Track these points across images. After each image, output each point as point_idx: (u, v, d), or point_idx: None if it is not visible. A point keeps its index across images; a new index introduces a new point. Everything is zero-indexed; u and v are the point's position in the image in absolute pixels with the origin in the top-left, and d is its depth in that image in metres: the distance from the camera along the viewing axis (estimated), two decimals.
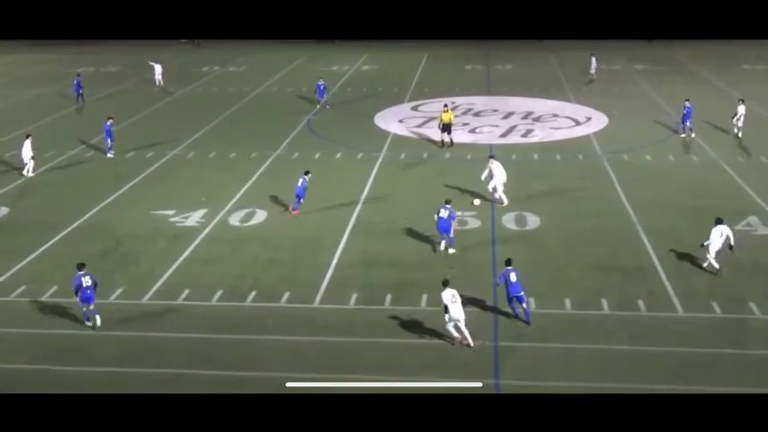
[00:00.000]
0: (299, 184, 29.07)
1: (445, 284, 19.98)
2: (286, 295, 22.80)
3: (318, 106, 48.08)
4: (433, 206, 29.07)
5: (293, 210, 29.15)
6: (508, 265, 21.19)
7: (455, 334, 19.79)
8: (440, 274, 23.69)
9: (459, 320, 19.57)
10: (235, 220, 28.93)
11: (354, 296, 22.59)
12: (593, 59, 56.16)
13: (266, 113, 47.13)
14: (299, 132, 42.13)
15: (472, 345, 19.58)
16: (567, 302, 22.08)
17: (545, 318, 21.30)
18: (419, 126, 43.01)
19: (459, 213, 28.31)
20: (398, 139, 40.41)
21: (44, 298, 22.92)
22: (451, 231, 25.53)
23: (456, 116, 44.50)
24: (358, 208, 29.89)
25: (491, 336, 20.32)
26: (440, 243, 25.76)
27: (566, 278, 23.72)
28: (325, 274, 24.10)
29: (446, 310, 19.59)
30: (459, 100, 49.47)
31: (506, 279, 20.91)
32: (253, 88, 55.20)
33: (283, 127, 42.78)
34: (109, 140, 38.14)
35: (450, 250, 25.52)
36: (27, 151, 35.31)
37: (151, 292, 23.22)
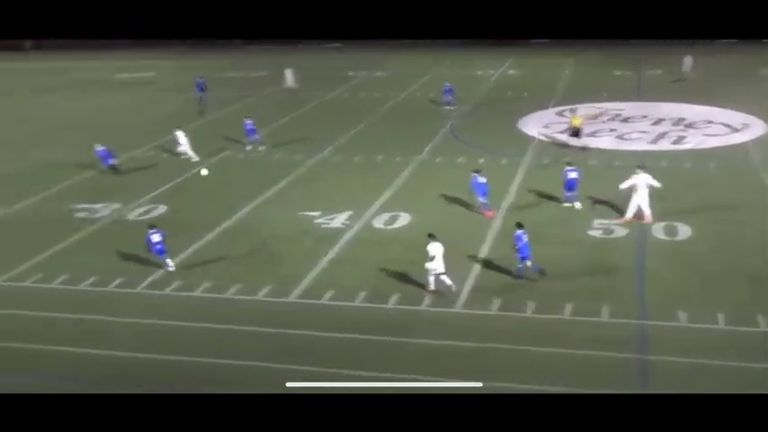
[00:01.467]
0: (480, 181, 29.34)
1: (432, 237, 23.07)
2: (428, 299, 22.88)
3: (453, 108, 48.64)
4: (579, 214, 28.78)
5: (487, 211, 29.43)
6: (520, 228, 23.51)
7: (431, 284, 22.88)
8: (582, 282, 23.32)
9: (438, 271, 22.66)
10: (379, 222, 29.30)
11: (497, 302, 22.41)
12: (689, 59, 55.59)
13: (411, 118, 47.53)
14: (443, 137, 42.27)
15: (449, 290, 22.68)
16: (720, 317, 21.12)
17: (696, 332, 20.48)
18: (564, 132, 42.27)
19: (606, 222, 27.76)
20: (542, 145, 39.88)
21: (197, 293, 23.92)
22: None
23: (603, 122, 43.65)
24: (502, 213, 29.67)
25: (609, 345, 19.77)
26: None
27: (719, 291, 22.71)
28: (467, 279, 24.04)
29: (431, 260, 22.56)
30: (606, 105, 48.36)
31: (520, 241, 23.23)
32: (398, 92, 55.79)
33: (427, 131, 43.04)
34: (253, 137, 40.61)
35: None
36: (182, 140, 38.94)
37: (297, 291, 23.82)
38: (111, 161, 37.59)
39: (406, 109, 50.61)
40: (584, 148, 38.08)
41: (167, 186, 35.22)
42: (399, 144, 40.55)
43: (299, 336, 21.12)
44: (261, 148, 40.84)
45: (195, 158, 39.08)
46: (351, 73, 65.69)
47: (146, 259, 26.06)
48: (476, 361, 19.48)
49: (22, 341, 21.28)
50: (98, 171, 37.34)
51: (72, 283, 24.99)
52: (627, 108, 47.75)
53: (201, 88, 53.31)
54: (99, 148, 37.76)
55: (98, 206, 32.40)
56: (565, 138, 39.57)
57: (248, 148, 40.88)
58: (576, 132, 38.48)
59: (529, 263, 23.58)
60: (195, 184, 35.56)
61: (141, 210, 32.12)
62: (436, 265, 22.79)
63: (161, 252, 25.43)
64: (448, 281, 22.87)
